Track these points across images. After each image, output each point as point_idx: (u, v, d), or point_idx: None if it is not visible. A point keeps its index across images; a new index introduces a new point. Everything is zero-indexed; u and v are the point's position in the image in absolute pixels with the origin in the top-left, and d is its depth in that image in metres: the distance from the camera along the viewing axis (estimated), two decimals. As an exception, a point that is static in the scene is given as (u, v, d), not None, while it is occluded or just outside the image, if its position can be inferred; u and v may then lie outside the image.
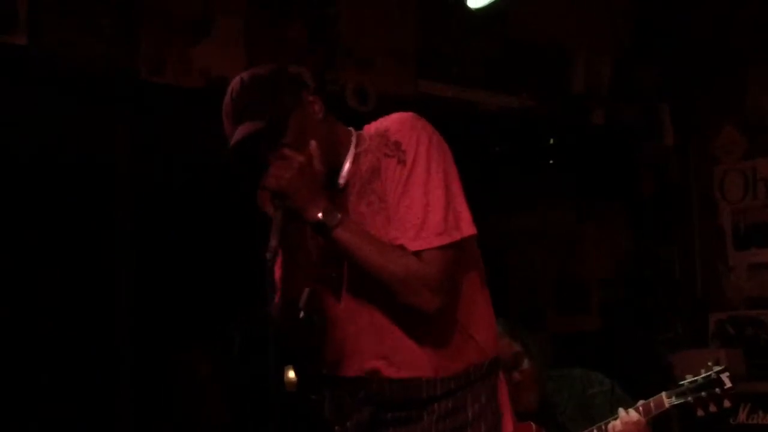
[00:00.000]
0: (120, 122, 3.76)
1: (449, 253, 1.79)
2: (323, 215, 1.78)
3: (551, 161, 5.31)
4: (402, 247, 1.79)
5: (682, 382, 2.93)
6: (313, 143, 1.82)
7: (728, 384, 2.83)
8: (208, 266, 4.23)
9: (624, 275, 5.41)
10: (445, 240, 1.79)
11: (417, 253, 1.77)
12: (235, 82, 1.88)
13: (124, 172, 3.79)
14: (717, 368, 2.89)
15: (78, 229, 4.00)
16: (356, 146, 1.92)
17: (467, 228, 1.83)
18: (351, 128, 1.97)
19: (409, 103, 4.34)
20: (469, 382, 1.86)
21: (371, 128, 1.93)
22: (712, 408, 2.85)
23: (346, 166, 1.91)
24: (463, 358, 1.87)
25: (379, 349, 1.86)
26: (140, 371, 3.63)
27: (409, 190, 1.80)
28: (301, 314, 1.80)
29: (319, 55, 4.09)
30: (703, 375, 2.88)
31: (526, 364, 3.18)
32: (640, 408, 2.96)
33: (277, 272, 1.91)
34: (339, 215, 1.79)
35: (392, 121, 1.87)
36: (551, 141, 5.21)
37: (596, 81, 5.00)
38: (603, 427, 2.99)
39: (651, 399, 2.96)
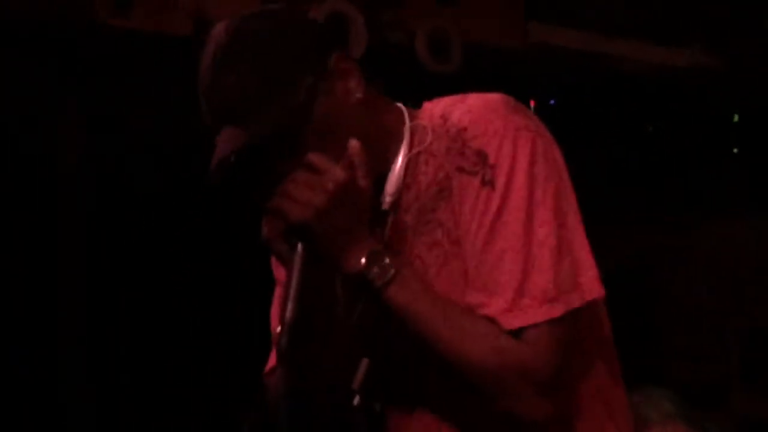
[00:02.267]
0: (69, 84, 3.80)
1: (564, 330, 1.66)
2: (369, 266, 1.66)
3: (735, 149, 5.20)
4: (491, 321, 1.66)
5: None
6: (354, 145, 1.69)
7: None
8: (197, 307, 4.23)
9: None
10: (558, 311, 1.64)
11: (515, 332, 1.65)
12: (215, 43, 1.73)
13: (73, 160, 3.87)
14: None
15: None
16: (411, 141, 1.76)
17: (591, 287, 1.69)
18: (399, 105, 1.80)
19: (515, 59, 4.33)
20: None
21: (435, 112, 1.80)
22: None
23: (396, 175, 1.76)
24: None
25: None
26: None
27: (500, 231, 1.66)
28: (357, 400, 1.68)
29: (376, -16, 4.10)
30: None
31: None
32: None
33: (275, 320, 1.82)
34: (393, 267, 1.67)
35: (472, 114, 1.74)
36: (735, 118, 5.10)
37: None
38: None
39: None
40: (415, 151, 1.76)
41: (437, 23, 4.12)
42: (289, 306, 1.65)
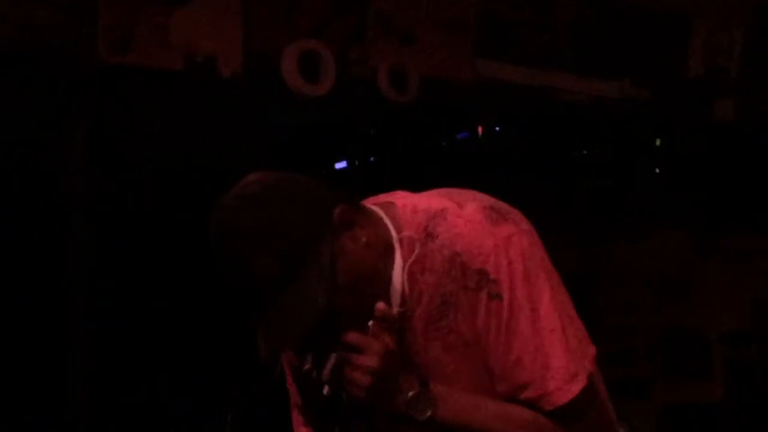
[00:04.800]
0: (73, 118, 3.78)
1: (586, 390, 1.75)
2: (413, 405, 1.73)
3: (657, 170, 5.27)
4: (527, 406, 1.75)
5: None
6: (380, 308, 1.72)
7: None
8: (191, 316, 4.25)
9: (759, 328, 5.33)
10: (582, 381, 1.74)
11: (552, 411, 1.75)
12: (230, 227, 1.69)
13: (80, 186, 3.81)
14: None
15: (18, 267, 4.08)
16: (402, 251, 1.77)
17: (590, 346, 1.79)
18: (378, 212, 1.79)
19: (466, 91, 4.34)
20: None
21: (417, 220, 1.78)
22: None
23: (397, 288, 1.77)
24: None
25: None
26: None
27: (514, 336, 1.74)
28: (326, 390, 1.72)
29: (343, 25, 4.08)
30: None
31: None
32: None
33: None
34: (432, 398, 1.74)
35: (462, 238, 1.75)
36: (658, 143, 5.19)
37: (721, 61, 4.95)
38: None
39: None
40: (408, 263, 1.76)
41: (397, 60, 4.14)
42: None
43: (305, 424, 1.87)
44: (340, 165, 5.00)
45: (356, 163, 4.97)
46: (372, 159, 4.98)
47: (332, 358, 1.71)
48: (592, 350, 1.77)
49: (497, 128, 4.71)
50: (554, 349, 1.72)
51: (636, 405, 5.15)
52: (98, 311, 3.87)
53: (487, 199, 1.80)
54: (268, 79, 3.85)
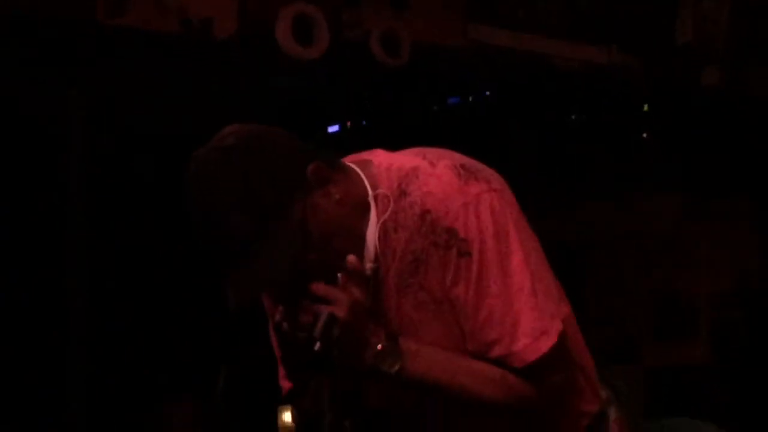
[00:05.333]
0: (71, 79, 3.82)
1: (556, 347, 1.74)
2: (382, 359, 1.73)
3: (645, 135, 5.29)
4: (496, 363, 1.75)
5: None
6: (351, 260, 1.71)
7: None
8: (184, 283, 4.26)
9: (745, 291, 5.34)
10: (552, 340, 1.73)
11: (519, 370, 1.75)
12: (203, 182, 1.68)
13: (77, 147, 3.83)
14: None
15: (18, 227, 4.12)
16: (376, 209, 1.78)
17: (561, 306, 1.79)
18: (357, 170, 1.80)
19: (456, 56, 4.37)
20: None
21: (391, 178, 1.79)
22: None
23: (371, 244, 1.77)
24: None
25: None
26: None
27: (484, 293, 1.74)
28: (317, 345, 1.68)
29: (337, -11, 4.14)
30: None
31: (613, 413, 3.10)
32: None
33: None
34: (400, 353, 1.73)
35: (432, 196, 1.75)
36: (646, 108, 5.18)
37: (709, 29, 4.96)
38: None
39: None
40: (381, 220, 1.76)
41: (389, 24, 4.16)
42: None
43: (285, 377, 1.87)
44: (333, 128, 5.03)
45: (348, 126, 5.00)
46: (364, 122, 5.02)
47: (324, 315, 1.69)
48: (565, 309, 1.77)
49: (486, 93, 4.75)
50: (523, 307, 1.72)
51: (624, 367, 5.20)
52: (98, 311, 3.85)
53: (459, 158, 1.79)
54: (262, 41, 3.86)
